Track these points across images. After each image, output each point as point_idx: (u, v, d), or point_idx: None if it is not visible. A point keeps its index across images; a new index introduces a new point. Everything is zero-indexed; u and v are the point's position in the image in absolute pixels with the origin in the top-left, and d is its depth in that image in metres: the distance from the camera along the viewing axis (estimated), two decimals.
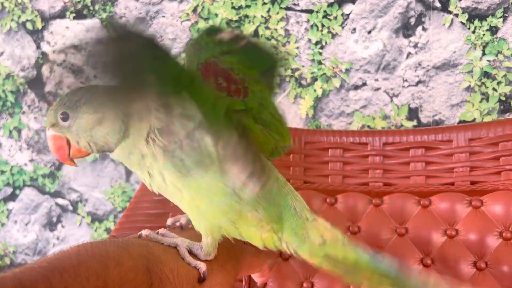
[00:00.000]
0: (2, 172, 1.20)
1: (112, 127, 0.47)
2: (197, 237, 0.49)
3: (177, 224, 0.58)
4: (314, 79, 0.98)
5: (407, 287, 0.47)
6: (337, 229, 0.51)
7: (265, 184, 0.47)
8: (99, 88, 0.48)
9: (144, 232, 0.48)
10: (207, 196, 0.46)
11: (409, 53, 0.93)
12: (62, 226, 1.18)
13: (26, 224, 1.20)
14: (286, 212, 0.49)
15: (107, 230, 1.14)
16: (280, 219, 0.49)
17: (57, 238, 1.18)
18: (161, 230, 0.49)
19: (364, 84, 0.95)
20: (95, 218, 1.15)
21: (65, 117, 0.47)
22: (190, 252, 0.47)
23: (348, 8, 0.94)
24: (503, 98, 0.89)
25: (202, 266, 0.46)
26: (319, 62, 0.97)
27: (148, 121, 0.46)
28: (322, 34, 0.96)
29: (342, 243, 0.49)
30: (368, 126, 0.95)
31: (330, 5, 0.95)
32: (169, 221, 0.58)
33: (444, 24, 0.90)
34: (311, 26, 0.96)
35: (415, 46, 0.92)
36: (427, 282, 0.47)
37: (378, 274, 0.48)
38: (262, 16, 0.98)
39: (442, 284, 0.47)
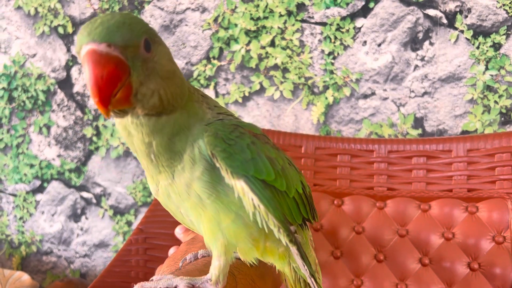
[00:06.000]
0: (32, 165, 1.28)
1: (182, 81, 0.42)
2: (199, 273, 0.46)
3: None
4: (326, 88, 1.04)
5: None
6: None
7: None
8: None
9: (136, 287, 0.44)
10: (236, 213, 0.44)
11: (416, 66, 0.98)
12: (86, 218, 1.26)
13: (53, 215, 1.29)
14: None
15: (128, 222, 1.22)
16: None
17: (81, 229, 1.26)
18: (155, 277, 0.45)
19: (373, 93, 1.01)
20: (117, 211, 1.23)
21: (148, 46, 0.38)
22: None
23: (359, 22, 1.00)
24: (504, 111, 0.94)
25: None
26: (331, 72, 1.03)
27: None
28: (334, 45, 1.02)
29: (320, 280, 0.53)
30: (376, 133, 1.01)
31: (343, 18, 1.01)
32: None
33: (450, 40, 0.96)
34: (325, 38, 1.03)
35: (422, 59, 0.98)
36: None
37: None
38: (278, 27, 1.05)
39: None
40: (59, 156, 1.26)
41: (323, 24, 1.02)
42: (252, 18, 1.06)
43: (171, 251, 0.68)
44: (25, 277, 1.16)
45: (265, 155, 0.44)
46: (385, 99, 1.01)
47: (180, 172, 0.43)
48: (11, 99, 1.26)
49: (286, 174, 0.46)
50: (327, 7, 1.01)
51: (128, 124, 0.40)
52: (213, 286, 0.44)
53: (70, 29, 1.19)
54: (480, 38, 0.94)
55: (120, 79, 0.35)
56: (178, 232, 0.70)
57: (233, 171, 0.41)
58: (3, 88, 1.26)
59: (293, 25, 1.04)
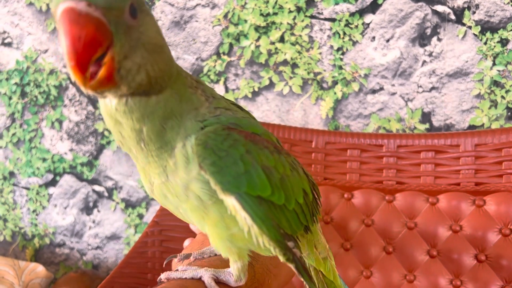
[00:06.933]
0: (44, 159, 1.31)
1: (170, 59, 0.39)
2: (221, 263, 0.46)
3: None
4: (335, 83, 1.05)
5: None
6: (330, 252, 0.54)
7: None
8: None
9: (163, 276, 0.44)
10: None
11: (424, 61, 1.00)
12: (98, 211, 1.28)
13: (65, 208, 1.31)
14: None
15: (139, 215, 1.24)
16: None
17: (93, 222, 1.29)
18: (181, 267, 0.45)
19: (381, 88, 1.03)
20: (129, 204, 1.25)
21: (134, 13, 0.35)
22: (218, 281, 0.44)
23: (368, 17, 1.02)
24: (510, 106, 0.96)
25: None
26: (340, 67, 1.05)
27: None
28: (343, 41, 1.04)
29: (333, 266, 0.53)
30: (384, 128, 1.03)
31: (352, 14, 1.02)
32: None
33: (458, 35, 0.97)
34: (334, 33, 1.04)
35: (430, 54, 0.99)
36: None
37: None
38: (288, 23, 1.06)
39: None
40: (71, 150, 1.28)
41: (332, 20, 1.04)
42: (261, 14, 1.08)
43: (186, 242, 0.70)
44: (40, 268, 1.19)
45: (261, 166, 0.41)
46: (393, 94, 1.02)
47: (173, 170, 0.40)
48: (23, 94, 1.29)
49: (285, 185, 0.43)
50: (336, 3, 1.03)
51: (113, 112, 0.38)
52: (236, 283, 0.44)
53: None
54: (488, 34, 0.95)
55: (101, 44, 0.32)
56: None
57: (223, 187, 0.38)
58: (16, 83, 1.28)
59: (303, 21, 1.05)
